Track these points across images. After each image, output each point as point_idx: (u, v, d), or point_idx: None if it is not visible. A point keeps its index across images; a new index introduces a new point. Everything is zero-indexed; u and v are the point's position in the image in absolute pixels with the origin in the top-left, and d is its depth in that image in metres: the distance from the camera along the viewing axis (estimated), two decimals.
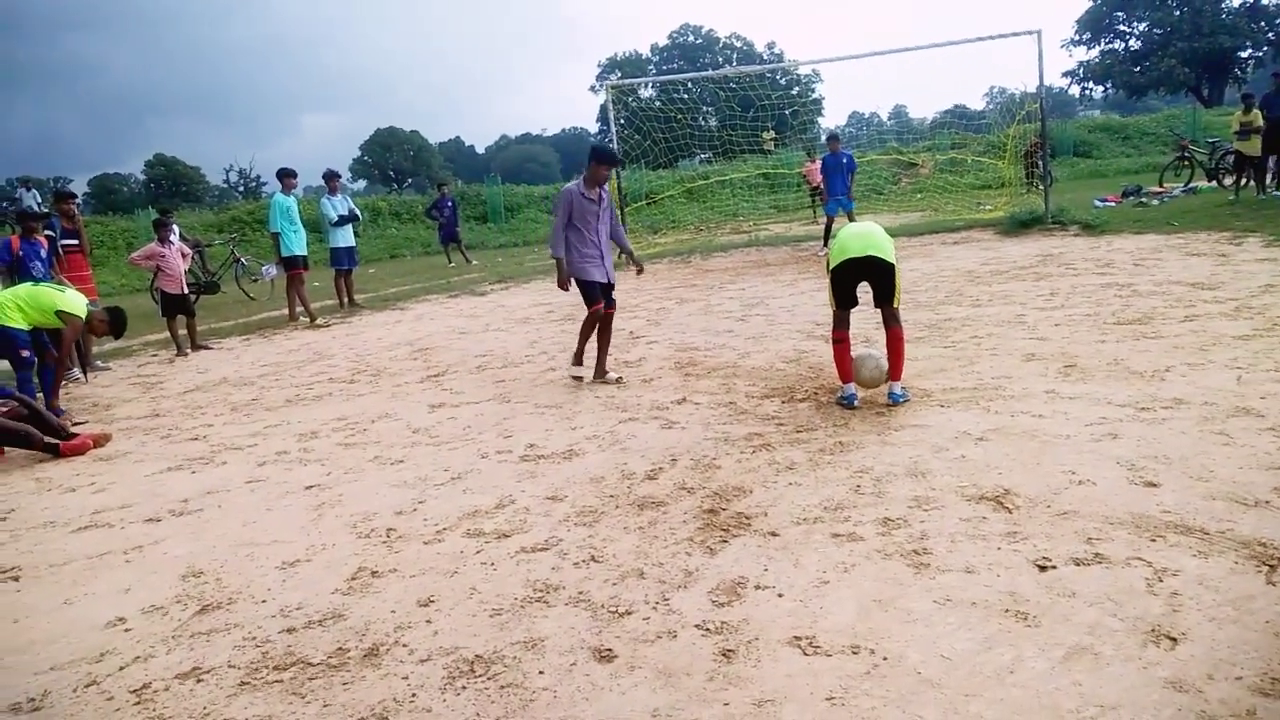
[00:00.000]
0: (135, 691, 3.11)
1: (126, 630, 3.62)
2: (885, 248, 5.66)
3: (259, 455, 6.19)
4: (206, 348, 11.29)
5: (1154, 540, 3.51)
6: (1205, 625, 2.89)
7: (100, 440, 6.79)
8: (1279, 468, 4.10)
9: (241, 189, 57.83)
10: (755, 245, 18.27)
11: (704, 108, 46.38)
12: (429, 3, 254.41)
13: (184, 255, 11.67)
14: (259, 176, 57.31)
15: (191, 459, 6.26)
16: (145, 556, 4.48)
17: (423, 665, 3.14)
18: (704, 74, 40.27)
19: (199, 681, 3.15)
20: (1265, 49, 52.62)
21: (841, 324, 5.79)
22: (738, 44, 72.27)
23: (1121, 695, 2.57)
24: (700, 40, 72.59)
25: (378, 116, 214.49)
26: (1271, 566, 3.21)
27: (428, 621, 3.47)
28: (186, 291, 11.43)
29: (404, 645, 3.29)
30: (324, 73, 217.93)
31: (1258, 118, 14.87)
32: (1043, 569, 3.38)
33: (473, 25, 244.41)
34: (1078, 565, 3.37)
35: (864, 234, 5.77)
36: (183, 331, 11.21)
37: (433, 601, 3.64)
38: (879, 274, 5.64)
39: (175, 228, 13.60)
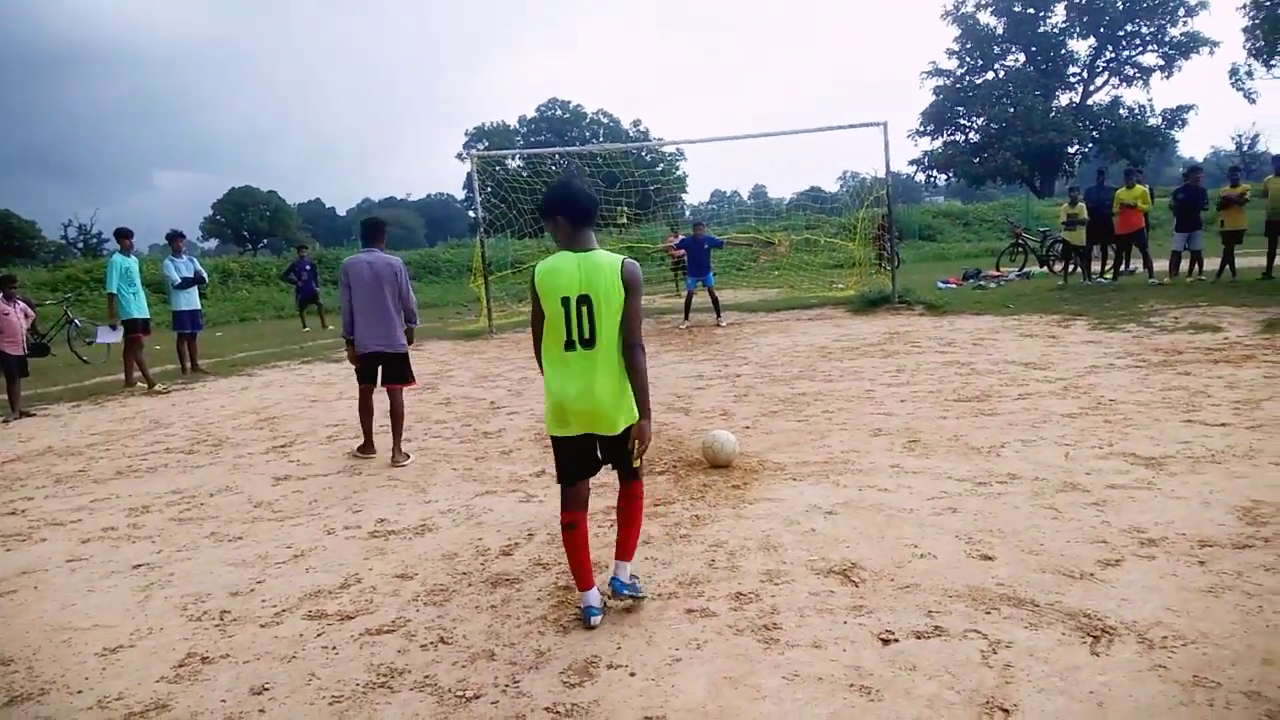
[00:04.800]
0: None
1: None
2: (614, 416, 3.76)
3: (83, 531, 5.77)
4: (29, 414, 10.52)
5: (989, 612, 3.65)
6: (1035, 696, 3.00)
7: None
8: (1102, 541, 4.35)
9: (80, 246, 54.80)
10: None
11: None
12: (289, 64, 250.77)
13: (26, 316, 10.98)
14: (100, 233, 54.49)
15: (6, 535, 5.78)
16: None
17: None
18: (571, 149, 40.88)
19: None
20: (1090, 145, 57.32)
21: (572, 502, 3.94)
22: (605, 120, 73.81)
23: None
24: (568, 115, 73.84)
25: (235, 175, 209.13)
26: (1095, 638, 3.38)
27: (260, 711, 3.27)
28: (26, 353, 10.74)
29: None
30: (179, 130, 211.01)
31: (1082, 210, 16.11)
32: (886, 642, 3.45)
33: (337, 88, 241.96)
34: (919, 638, 3.47)
35: (581, 400, 3.71)
36: (2, 396, 10.47)
37: (267, 689, 3.43)
38: (612, 442, 3.85)
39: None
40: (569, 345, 3.69)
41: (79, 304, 22.44)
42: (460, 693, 3.30)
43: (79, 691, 3.54)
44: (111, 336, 13.24)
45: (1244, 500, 4.75)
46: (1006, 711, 2.92)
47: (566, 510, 3.93)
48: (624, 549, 4.04)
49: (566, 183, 3.83)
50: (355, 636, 3.88)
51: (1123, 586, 3.82)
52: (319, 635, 3.92)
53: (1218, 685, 2.99)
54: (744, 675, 3.28)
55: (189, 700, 3.40)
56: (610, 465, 3.97)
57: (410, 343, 7.58)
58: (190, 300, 13.63)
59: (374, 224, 7.61)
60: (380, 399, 7.42)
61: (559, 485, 3.97)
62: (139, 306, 12.52)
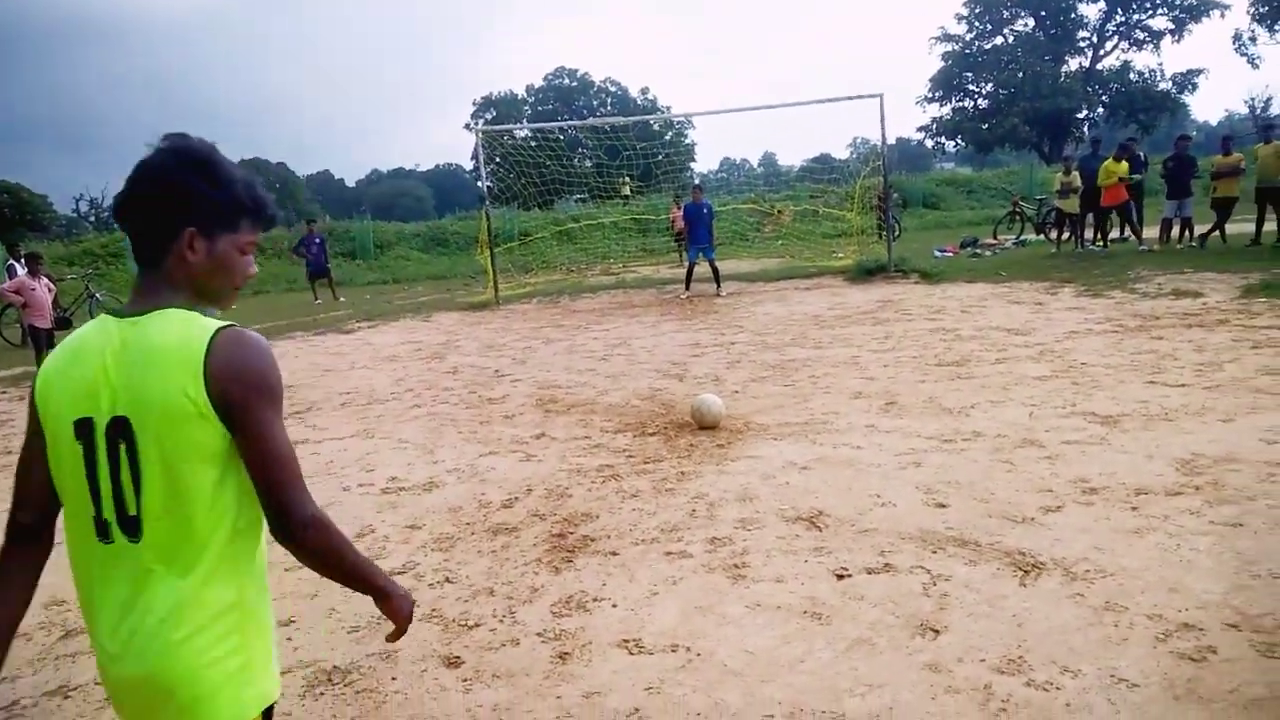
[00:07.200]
0: (4, 708, 3.28)
1: None
2: (198, 695, 1.60)
3: None
4: None
5: (935, 552, 4.09)
6: (964, 620, 3.43)
7: None
8: (1048, 490, 4.77)
9: (93, 219, 55.34)
10: (623, 287, 18.85)
11: (579, 150, 47.22)
12: (296, 36, 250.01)
13: (49, 290, 11.53)
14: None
15: None
16: None
17: (283, 676, 3.39)
18: (576, 123, 41.10)
19: (66, 698, 3.35)
20: (1100, 110, 57.07)
21: None
22: (612, 88, 73.67)
23: (888, 676, 3.08)
24: (575, 84, 73.70)
25: (243, 148, 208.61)
26: (1025, 571, 3.81)
27: (289, 639, 3.73)
28: (53, 326, 11.32)
29: None
30: (187, 102, 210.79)
31: (1076, 179, 16.36)
32: (840, 577, 3.90)
33: (344, 59, 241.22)
34: (869, 573, 3.91)
35: (123, 658, 1.60)
36: (32, 369, 11.02)
37: (293, 621, 3.90)
38: None
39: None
40: (101, 529, 1.61)
41: (98, 278, 22.94)
42: (463, 622, 3.76)
43: None
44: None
45: (1185, 453, 5.15)
46: (937, 631, 3.36)
47: None
48: None
49: (143, 163, 1.65)
50: None
51: (1058, 529, 4.25)
52: None
53: (1125, 609, 3.42)
54: (712, 605, 3.73)
55: None
56: None
57: None
58: None
59: None
60: None
61: None
62: None
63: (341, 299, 21.12)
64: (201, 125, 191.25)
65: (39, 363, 10.79)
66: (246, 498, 1.65)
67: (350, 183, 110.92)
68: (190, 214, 1.63)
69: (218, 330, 1.60)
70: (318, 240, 21.66)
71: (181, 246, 1.63)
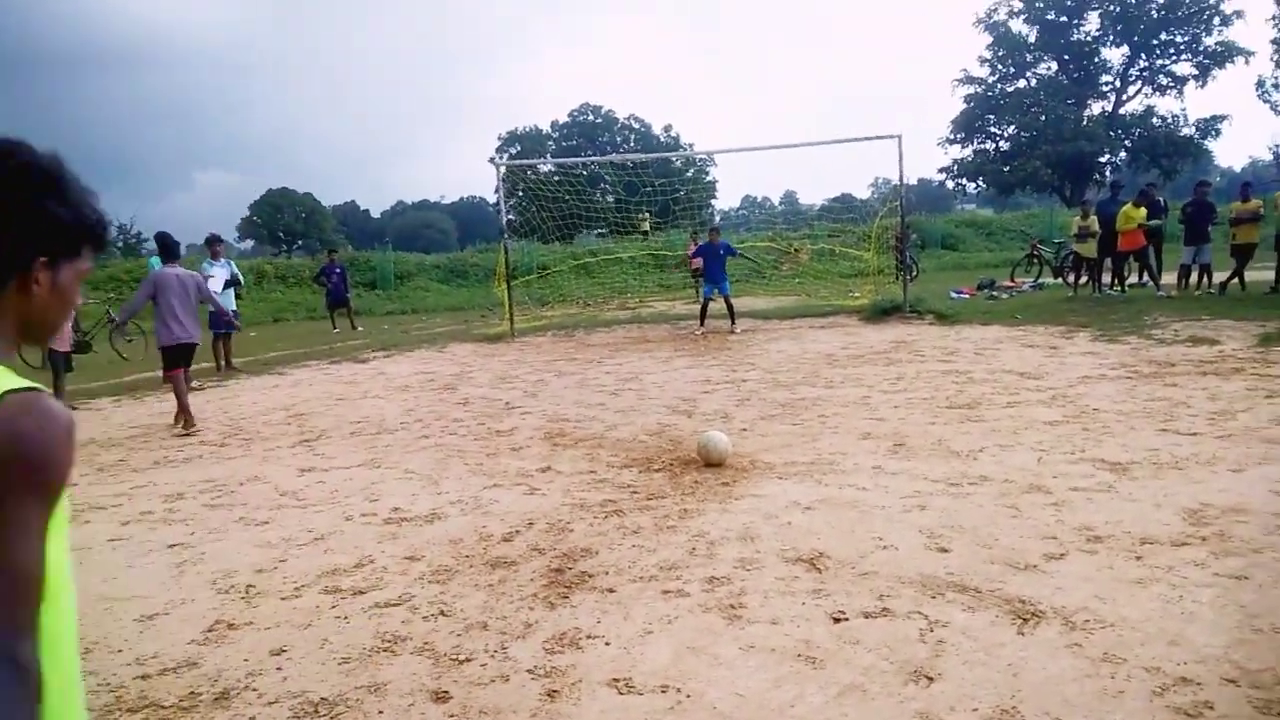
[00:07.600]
0: None
1: None
2: None
3: (123, 515, 6.28)
4: (74, 408, 11.12)
5: (934, 597, 4.03)
6: (959, 667, 3.38)
7: None
8: (1053, 537, 4.71)
9: (120, 245, 56.03)
10: (637, 322, 18.89)
11: (601, 185, 47.59)
12: (330, 67, 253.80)
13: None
14: (139, 233, 55.63)
15: None
16: None
17: (270, 707, 3.39)
18: (597, 159, 41.43)
19: None
20: (1122, 155, 56.99)
21: None
22: (635, 125, 74.36)
23: None
24: (599, 120, 74.44)
25: (272, 176, 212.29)
26: (1025, 619, 3.75)
27: (278, 669, 3.72)
28: (71, 349, 11.47)
29: (254, 690, 3.54)
30: (219, 130, 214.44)
31: (1094, 223, 16.32)
32: (837, 621, 3.85)
33: (374, 92, 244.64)
34: (867, 617, 3.86)
35: None
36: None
37: (284, 651, 3.89)
38: None
39: None
40: None
41: (118, 303, 23.18)
42: (454, 656, 3.73)
43: (119, 650, 4.01)
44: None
45: (1193, 503, 5.08)
46: (931, 679, 3.30)
47: None
48: None
49: None
50: (365, 609, 4.33)
51: (1061, 577, 4.18)
52: (333, 607, 4.37)
53: (1123, 661, 3.36)
54: (706, 646, 3.69)
55: (216, 659, 3.86)
56: None
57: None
58: (226, 302, 14.23)
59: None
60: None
61: None
62: None
63: (359, 328, 21.26)
64: (233, 154, 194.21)
65: (56, 386, 10.93)
66: None
67: (375, 214, 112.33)
68: (41, 240, 1.36)
69: (5, 393, 1.28)
70: (338, 270, 21.85)
71: (28, 279, 1.36)
